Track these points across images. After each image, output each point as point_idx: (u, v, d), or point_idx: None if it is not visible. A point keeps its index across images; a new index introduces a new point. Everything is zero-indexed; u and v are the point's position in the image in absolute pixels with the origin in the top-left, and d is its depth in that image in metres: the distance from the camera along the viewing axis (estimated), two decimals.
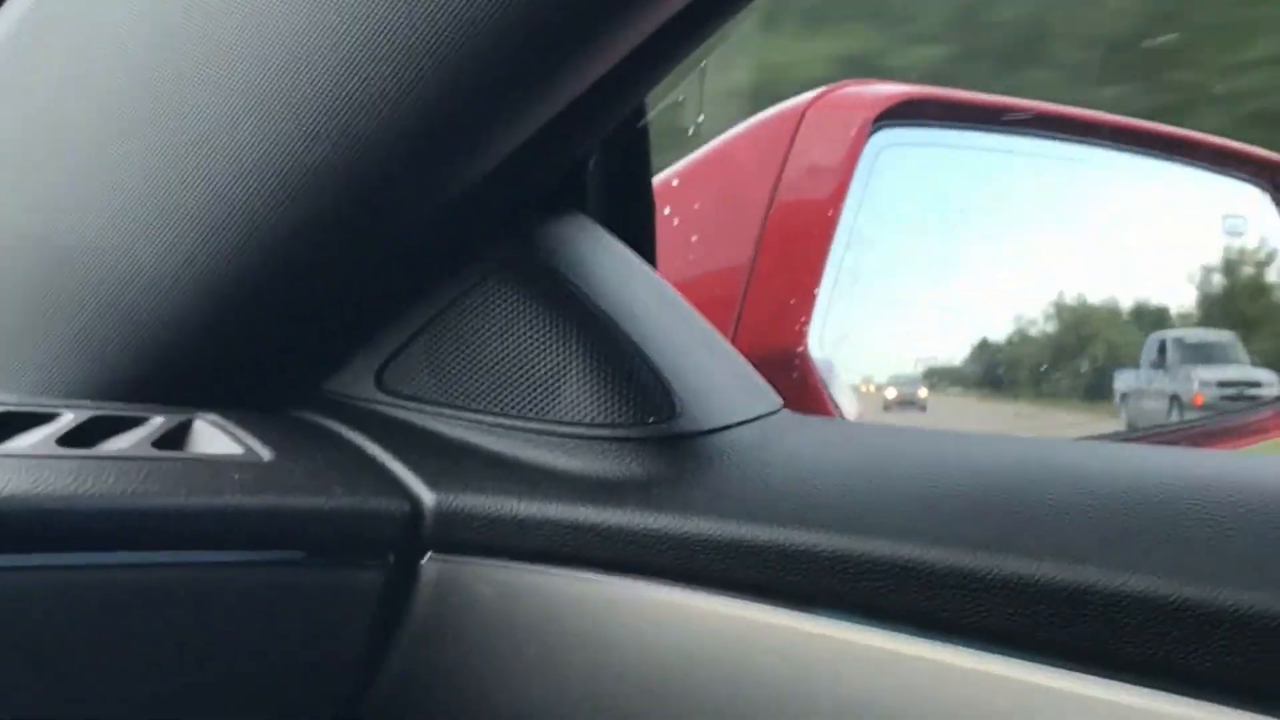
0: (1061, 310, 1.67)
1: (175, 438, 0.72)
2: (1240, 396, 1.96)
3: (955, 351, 1.58)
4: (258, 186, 0.70)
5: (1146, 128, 1.55)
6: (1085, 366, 1.78)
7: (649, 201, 0.88)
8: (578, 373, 0.74)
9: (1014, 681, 0.59)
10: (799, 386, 1.09)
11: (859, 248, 1.22)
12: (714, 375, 0.78)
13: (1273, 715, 0.54)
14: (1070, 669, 0.58)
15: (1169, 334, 1.89)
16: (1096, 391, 1.81)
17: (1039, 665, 0.59)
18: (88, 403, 0.75)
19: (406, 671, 0.73)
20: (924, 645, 0.62)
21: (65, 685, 0.64)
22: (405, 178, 0.71)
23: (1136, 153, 1.58)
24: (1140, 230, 1.69)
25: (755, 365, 0.85)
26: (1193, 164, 1.67)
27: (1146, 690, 0.57)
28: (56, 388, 0.77)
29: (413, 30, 0.65)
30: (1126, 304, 1.83)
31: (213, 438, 0.73)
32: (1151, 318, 1.88)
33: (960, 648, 0.61)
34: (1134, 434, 1.75)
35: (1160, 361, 1.88)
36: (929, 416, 1.49)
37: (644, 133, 0.85)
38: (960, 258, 1.47)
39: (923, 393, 1.49)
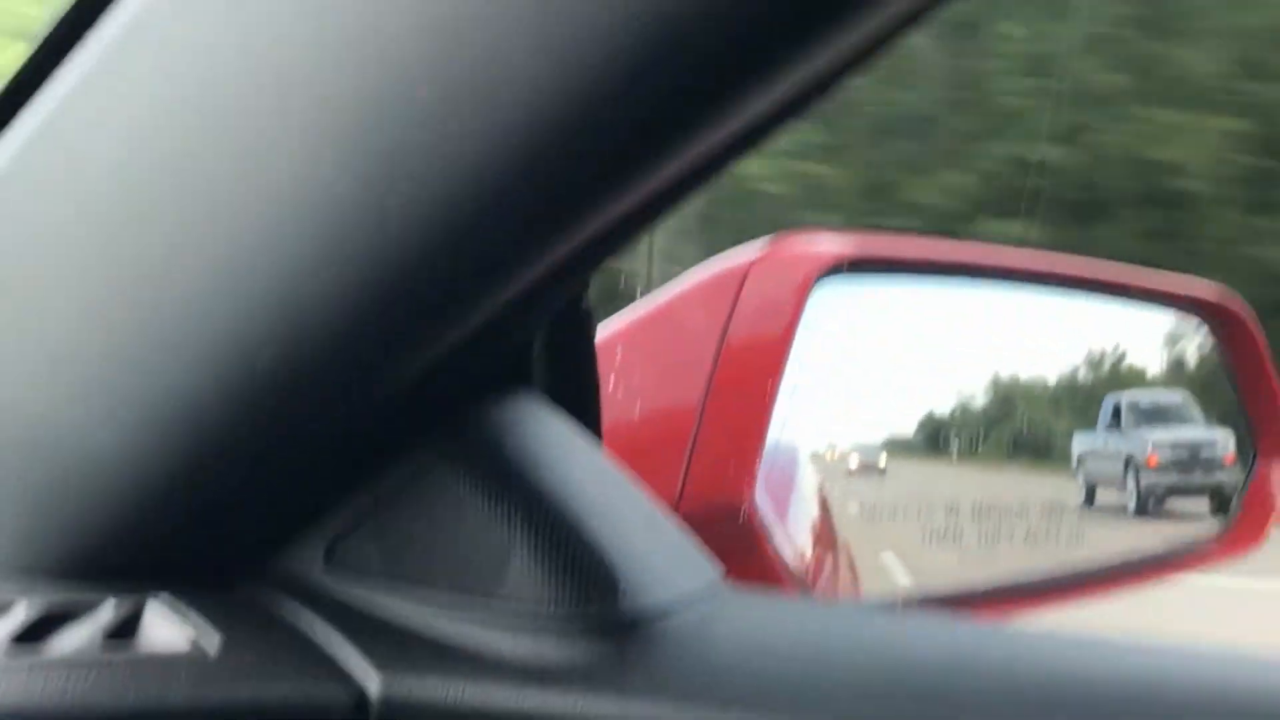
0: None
1: (127, 626, 0.73)
2: (1194, 459, 1.97)
3: (909, 427, 1.60)
4: (206, 380, 0.72)
5: (1089, 274, 1.59)
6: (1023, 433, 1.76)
7: (593, 373, 0.89)
8: (522, 555, 0.75)
9: None
10: (747, 542, 1.10)
11: (805, 394, 1.25)
12: (656, 553, 0.79)
13: None
14: None
15: (1124, 396, 1.88)
16: (1036, 452, 1.81)
17: None
18: (41, 585, 0.75)
19: None
20: None
21: None
22: (355, 373, 0.72)
23: (1084, 295, 1.61)
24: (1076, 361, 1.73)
25: (704, 519, 0.85)
26: (1137, 303, 1.70)
27: None
28: (9, 568, 0.77)
29: (360, 231, 0.66)
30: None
31: (164, 624, 0.73)
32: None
33: None
34: (1064, 578, 1.74)
35: (1115, 424, 1.88)
36: (889, 479, 1.50)
37: (588, 306, 0.87)
38: (907, 393, 1.50)
39: (882, 461, 1.51)
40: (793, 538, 1.33)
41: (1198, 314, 1.73)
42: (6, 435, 0.77)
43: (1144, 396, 1.93)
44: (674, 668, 0.71)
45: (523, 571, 0.74)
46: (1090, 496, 1.87)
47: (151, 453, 0.74)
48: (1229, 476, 1.93)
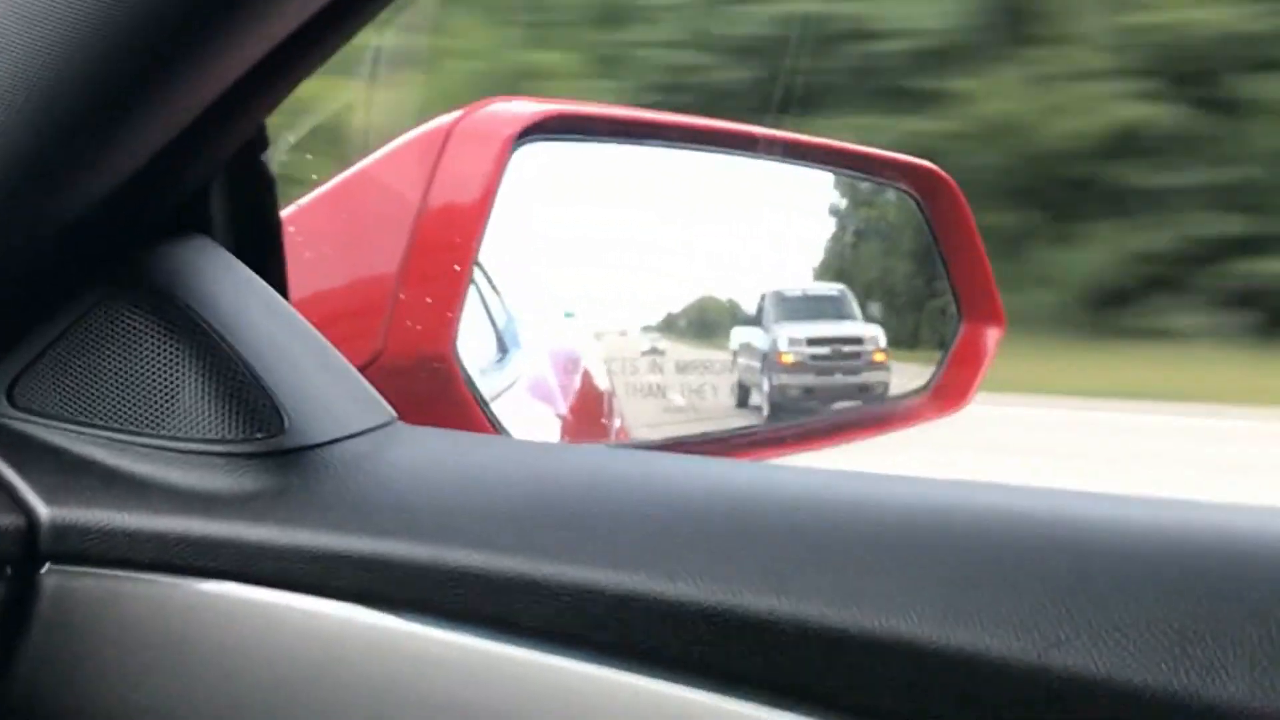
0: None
1: None
2: (836, 355, 1.87)
3: (680, 304, 1.65)
4: None
5: (797, 139, 1.65)
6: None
7: (274, 224, 0.92)
8: (190, 390, 0.78)
9: (577, 678, 0.66)
10: (447, 390, 1.14)
11: (512, 253, 1.30)
12: (324, 391, 0.82)
13: (792, 710, 0.62)
14: (620, 666, 0.65)
15: (770, 289, 1.78)
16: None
17: (598, 665, 0.66)
18: None
19: (31, 678, 0.76)
20: (495, 645, 0.68)
21: None
22: (16, 203, 0.74)
23: (790, 163, 1.67)
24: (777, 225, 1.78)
25: (405, 372, 0.89)
26: (840, 171, 1.77)
27: (684, 686, 0.64)
28: None
29: (17, 58, 0.68)
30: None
31: None
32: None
33: (530, 649, 0.67)
34: (770, 435, 1.79)
35: (758, 318, 1.77)
36: (667, 357, 1.58)
37: (266, 156, 0.89)
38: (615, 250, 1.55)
39: (663, 344, 1.58)
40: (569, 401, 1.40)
41: (906, 184, 1.80)
42: None
43: (793, 288, 1.85)
44: (334, 496, 0.75)
45: (190, 407, 0.78)
46: (744, 397, 1.81)
47: None
48: (877, 376, 1.88)
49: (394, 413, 0.85)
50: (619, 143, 1.42)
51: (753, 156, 1.58)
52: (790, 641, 0.61)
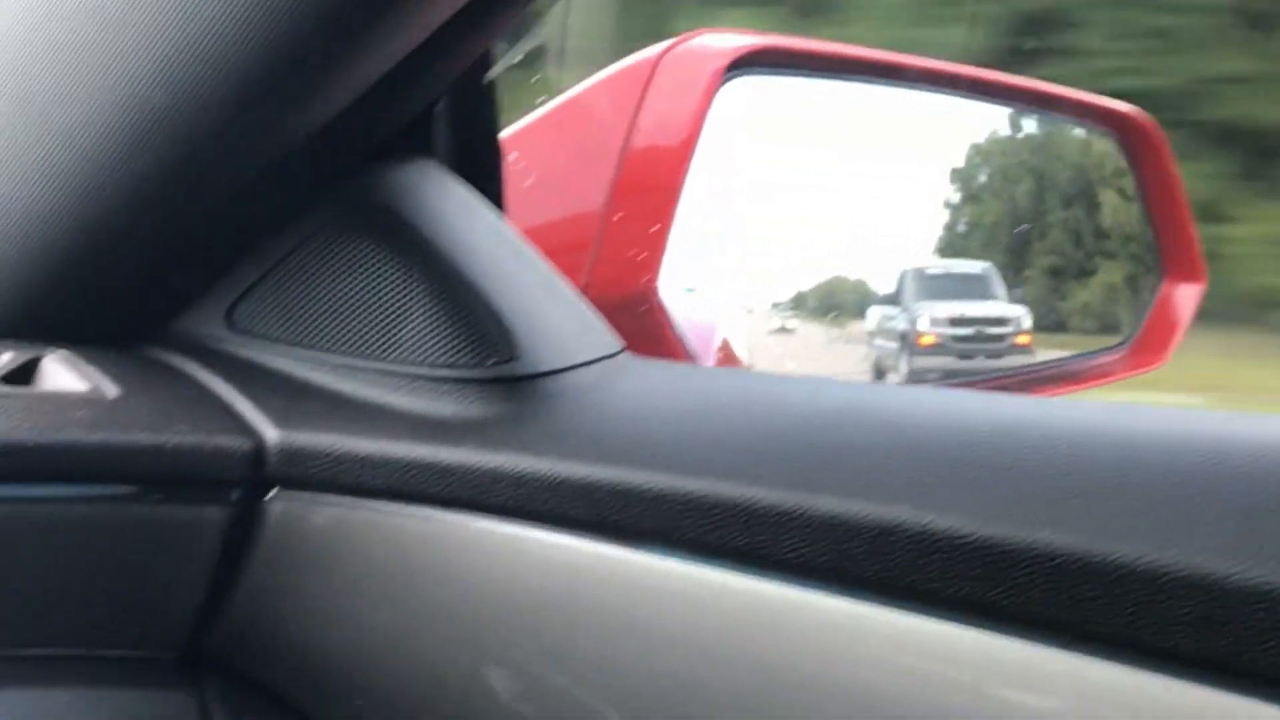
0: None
1: (24, 373, 0.74)
2: (980, 336, 1.78)
3: (812, 281, 1.60)
4: (103, 131, 0.72)
5: (1000, 80, 1.60)
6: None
7: (496, 147, 0.89)
8: (420, 315, 0.76)
9: (827, 611, 0.63)
10: (650, 328, 1.11)
11: (718, 192, 1.27)
12: (554, 319, 0.80)
13: (1065, 648, 0.58)
14: (880, 602, 0.62)
15: (911, 266, 1.69)
16: None
17: (849, 598, 0.62)
18: None
19: (252, 605, 0.75)
20: (742, 579, 0.65)
21: None
22: (249, 123, 0.72)
23: (991, 103, 1.62)
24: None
25: (609, 308, 0.87)
26: (1042, 113, 1.72)
27: (949, 623, 0.60)
28: None
29: None
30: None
31: (61, 374, 0.74)
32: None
33: (776, 581, 0.64)
34: (959, 380, 1.74)
35: (897, 296, 1.67)
36: (796, 336, 1.53)
37: (491, 80, 0.87)
38: (813, 196, 1.51)
39: (792, 323, 1.53)
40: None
41: (1112, 131, 1.74)
42: None
43: (935, 266, 1.76)
44: (568, 425, 0.73)
45: (419, 331, 0.76)
46: (879, 380, 1.70)
47: (52, 209, 0.75)
48: (1019, 360, 1.78)
49: (621, 342, 0.82)
50: (824, 78, 1.38)
51: (957, 95, 1.53)
52: (1071, 576, 0.58)
